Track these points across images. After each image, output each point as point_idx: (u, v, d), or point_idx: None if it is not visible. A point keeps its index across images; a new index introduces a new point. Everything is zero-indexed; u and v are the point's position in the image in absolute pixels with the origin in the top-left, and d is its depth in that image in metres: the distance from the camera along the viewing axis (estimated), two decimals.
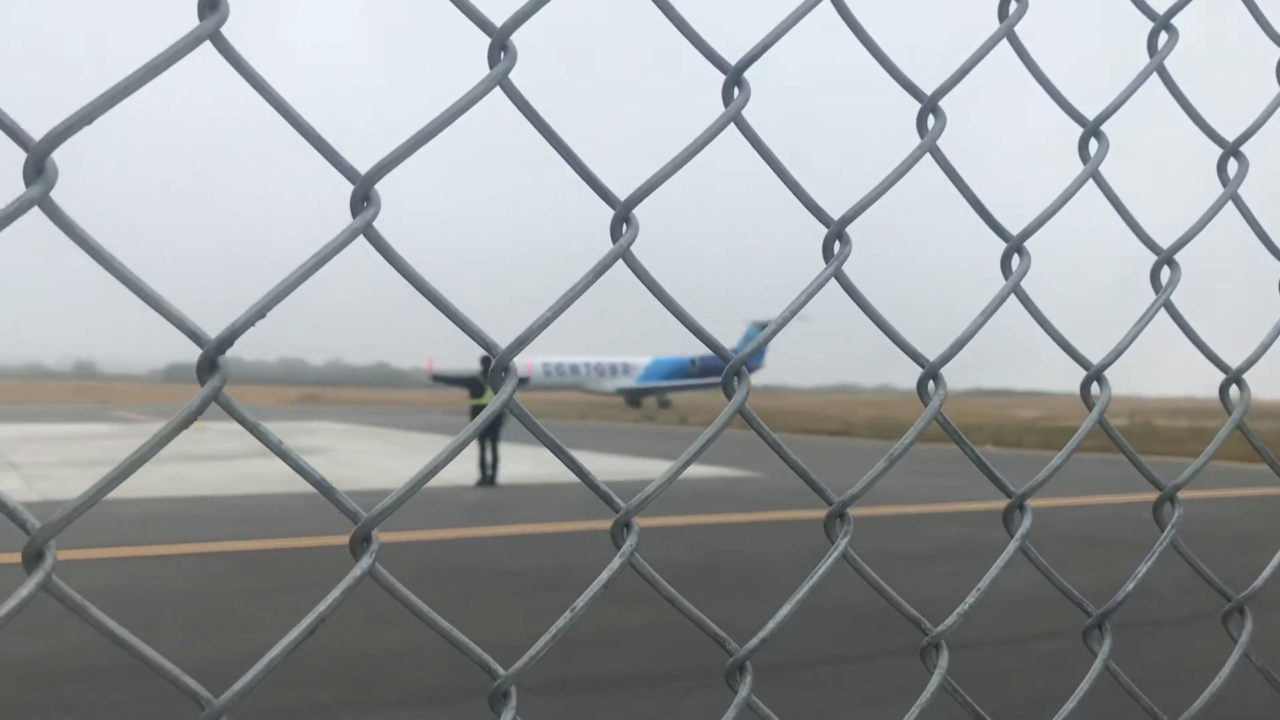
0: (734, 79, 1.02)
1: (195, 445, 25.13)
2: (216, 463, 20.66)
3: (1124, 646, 1.64)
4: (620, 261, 0.95)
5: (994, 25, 1.22)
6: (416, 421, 43.40)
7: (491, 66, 0.88)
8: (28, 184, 0.71)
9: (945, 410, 1.18)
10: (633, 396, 76.16)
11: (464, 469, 18.40)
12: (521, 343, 0.89)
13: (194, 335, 0.76)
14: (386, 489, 15.56)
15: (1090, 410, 1.33)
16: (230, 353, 0.79)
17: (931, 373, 1.18)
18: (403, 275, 0.86)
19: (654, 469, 19.67)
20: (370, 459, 22.42)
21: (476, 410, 18.28)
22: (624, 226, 0.96)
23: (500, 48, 0.88)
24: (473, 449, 18.07)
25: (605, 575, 0.98)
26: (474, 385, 18.34)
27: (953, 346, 1.18)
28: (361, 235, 0.82)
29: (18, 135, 0.72)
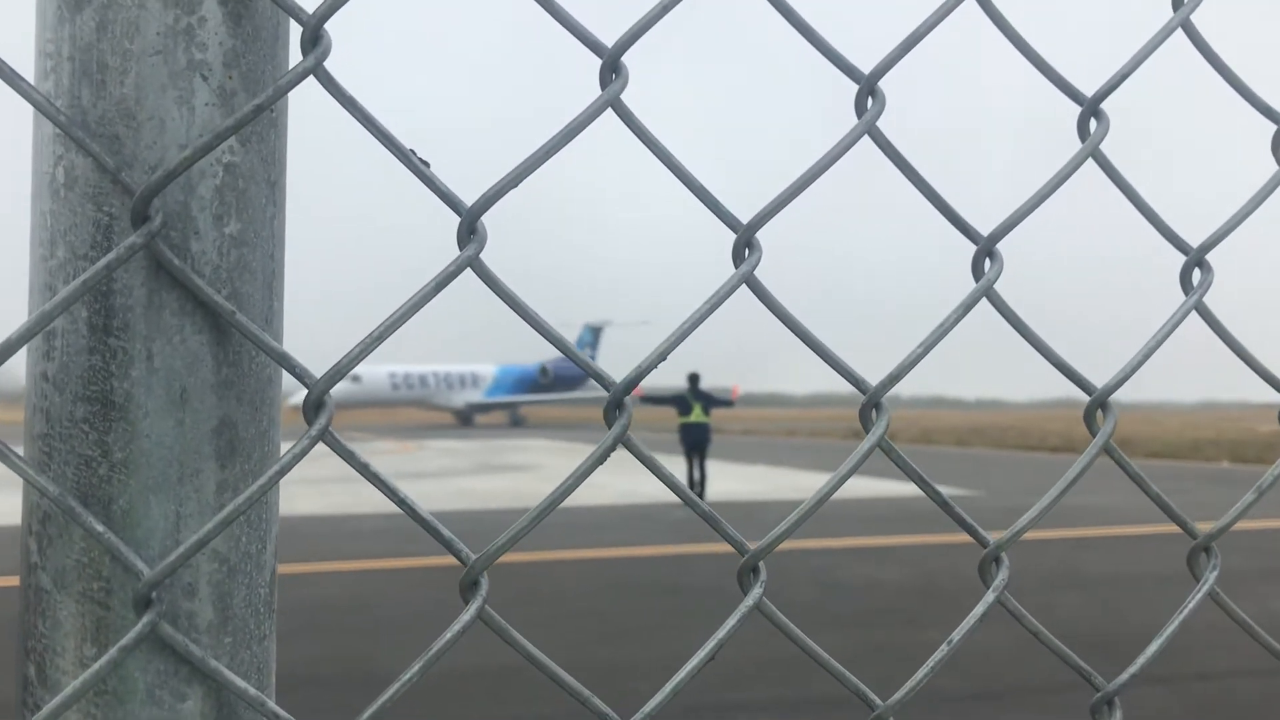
0: (868, 89, 0.95)
1: (411, 463, 26.35)
2: (434, 479, 21.65)
3: None
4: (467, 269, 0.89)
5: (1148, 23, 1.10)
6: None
7: (603, 89, 0.84)
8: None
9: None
10: (466, 414, 62.17)
11: None
12: (635, 379, 0.84)
13: (301, 375, 0.75)
14: (607, 505, 15.73)
15: None
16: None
17: (1100, 401, 1.07)
18: (513, 309, 0.83)
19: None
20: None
21: (685, 428, 17.89)
22: (746, 251, 0.90)
23: (612, 69, 0.85)
24: (682, 466, 17.80)
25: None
26: (682, 403, 18.11)
27: (1123, 372, 1.06)
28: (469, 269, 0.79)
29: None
